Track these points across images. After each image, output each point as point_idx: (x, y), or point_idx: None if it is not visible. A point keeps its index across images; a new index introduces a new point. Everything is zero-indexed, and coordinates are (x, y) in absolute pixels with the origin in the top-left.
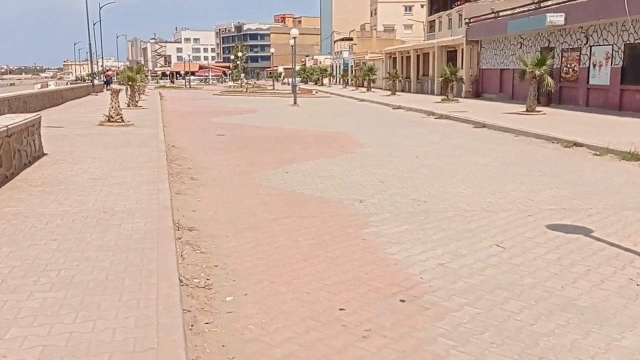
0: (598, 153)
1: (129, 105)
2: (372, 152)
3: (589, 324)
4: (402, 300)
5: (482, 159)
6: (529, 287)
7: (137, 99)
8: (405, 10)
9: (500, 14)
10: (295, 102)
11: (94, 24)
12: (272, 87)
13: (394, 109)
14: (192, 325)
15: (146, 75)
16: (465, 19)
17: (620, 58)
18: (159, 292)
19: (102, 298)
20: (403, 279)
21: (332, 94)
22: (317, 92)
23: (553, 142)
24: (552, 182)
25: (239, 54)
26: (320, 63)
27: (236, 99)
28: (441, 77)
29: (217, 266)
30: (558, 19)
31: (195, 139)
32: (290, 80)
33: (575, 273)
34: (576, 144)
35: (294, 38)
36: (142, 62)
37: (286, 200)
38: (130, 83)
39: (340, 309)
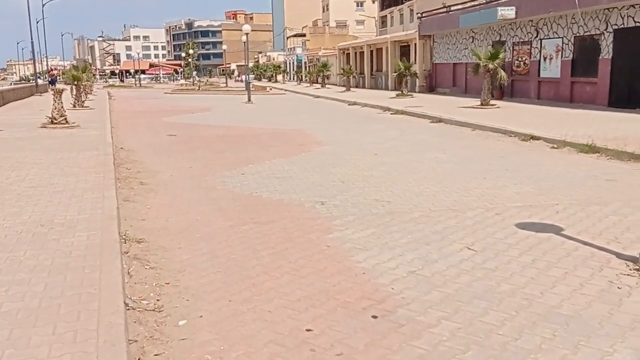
0: (555, 146)
1: (74, 106)
2: (331, 150)
3: (576, 337)
4: (374, 317)
5: (443, 155)
6: (508, 294)
7: (83, 99)
8: (357, 5)
9: (452, 8)
10: (249, 100)
11: (37, 22)
12: (225, 85)
13: (349, 105)
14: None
15: (93, 74)
16: (417, 13)
17: (570, 51)
18: (101, 320)
19: (32, 331)
20: (373, 291)
21: (286, 90)
22: (271, 89)
23: (510, 136)
24: (515, 178)
25: (190, 51)
26: (273, 60)
27: (188, 97)
28: (395, 72)
29: (168, 283)
30: (509, 12)
31: (145, 140)
32: (243, 77)
33: (553, 277)
34: (533, 137)
35: (247, 34)
36: (90, 61)
37: (243, 204)
38: (75, 82)
39: (307, 330)
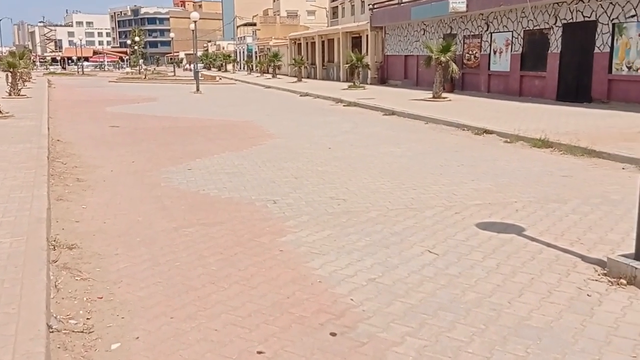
0: (509, 140)
1: (10, 95)
2: (283, 144)
3: (551, 354)
4: (333, 334)
5: (397, 149)
6: (474, 304)
7: (19, 88)
8: None
9: (404, 0)
10: (198, 89)
11: None
12: (173, 74)
13: (301, 96)
14: None
15: (33, 61)
16: (368, 5)
17: (520, 44)
18: (16, 350)
19: None
20: (331, 303)
21: (236, 80)
22: (221, 79)
23: (464, 130)
24: (471, 173)
25: (137, 38)
26: (223, 49)
27: (134, 86)
28: (347, 63)
29: (101, 298)
30: (460, 5)
31: (86, 131)
32: (192, 66)
33: (519, 283)
34: (486, 131)
35: (195, 22)
36: (30, 47)
37: (189, 203)
38: (11, 70)
39: (259, 352)
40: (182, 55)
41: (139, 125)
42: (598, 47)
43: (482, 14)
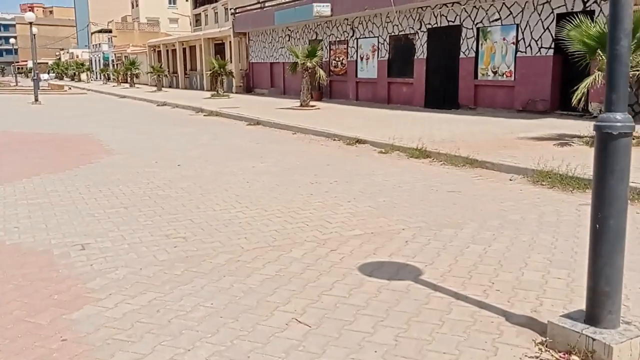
0: (384, 151)
1: None
2: (122, 161)
3: None
4: None
5: (261, 164)
6: None
7: None
8: (170, 3)
9: (267, 4)
10: (36, 100)
11: None
12: (14, 84)
13: (159, 105)
14: None
15: None
16: (230, 9)
17: (386, 50)
18: None
19: None
20: None
21: (89, 90)
22: (70, 89)
23: (335, 140)
24: (347, 192)
25: None
26: (77, 57)
27: None
28: (209, 71)
29: None
30: (324, 9)
31: None
32: (42, 75)
33: None
34: (359, 141)
35: (30, 23)
36: None
37: None
38: None
39: None
40: (30, 64)
41: None
42: (463, 52)
43: (347, 19)
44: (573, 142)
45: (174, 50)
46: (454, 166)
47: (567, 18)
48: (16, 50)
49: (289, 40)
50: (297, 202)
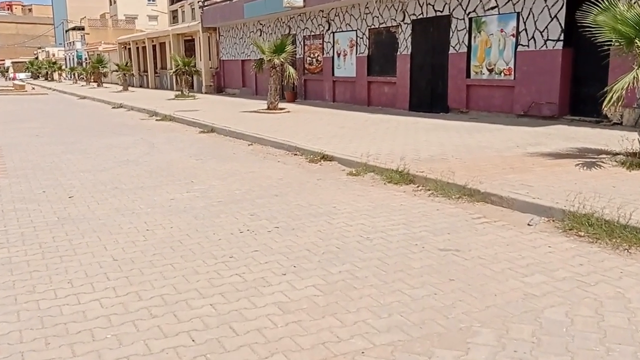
0: (354, 172)
1: None
2: (0, 189)
3: None
4: None
5: (186, 194)
6: None
7: None
8: (149, 0)
9: None
10: None
11: None
12: None
13: (114, 108)
14: None
15: None
16: (199, 1)
17: (366, 45)
18: None
19: None
20: None
21: (54, 90)
22: (34, 89)
23: (296, 154)
24: (287, 251)
25: None
26: (53, 55)
27: None
28: (173, 69)
29: None
30: (296, 0)
31: None
32: (19, 75)
33: None
34: (325, 158)
35: None
36: None
37: None
38: None
39: None
40: (8, 63)
41: None
42: (453, 47)
43: (323, 11)
44: (603, 162)
45: (144, 48)
46: (447, 198)
47: (587, 3)
48: None
49: (260, 35)
50: (199, 277)
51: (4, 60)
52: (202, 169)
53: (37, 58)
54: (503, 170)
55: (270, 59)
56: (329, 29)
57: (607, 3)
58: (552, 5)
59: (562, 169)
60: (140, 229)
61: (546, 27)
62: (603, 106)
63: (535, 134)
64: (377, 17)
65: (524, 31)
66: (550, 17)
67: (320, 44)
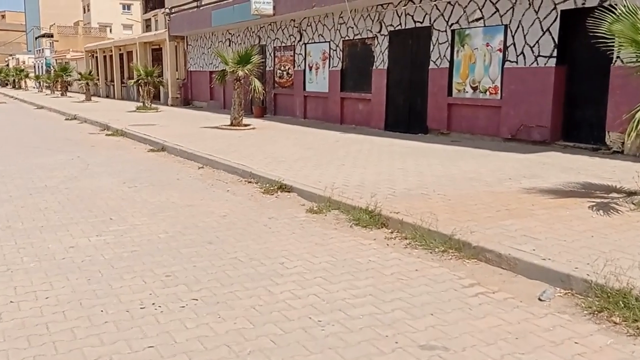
0: (316, 208)
1: None
2: None
3: None
4: None
5: (95, 238)
6: None
7: None
8: (124, 8)
9: (203, 2)
10: None
11: None
12: None
13: (67, 119)
14: None
15: None
16: (165, 9)
17: (339, 58)
18: None
19: None
20: None
21: (16, 98)
22: None
23: (250, 182)
24: (186, 353)
25: None
26: (24, 63)
27: None
28: (134, 79)
29: None
30: (265, 7)
31: None
32: None
33: None
34: (282, 188)
35: None
36: None
37: None
38: None
39: None
40: None
41: None
42: (434, 62)
43: (294, 20)
44: (618, 204)
45: (111, 56)
46: (429, 252)
47: (599, 11)
48: None
49: (229, 45)
50: None
51: None
52: (132, 200)
53: (7, 65)
54: (497, 212)
55: (233, 70)
56: (300, 39)
57: (625, 9)
58: (544, 18)
59: (569, 212)
60: (12, 301)
61: (537, 41)
62: (625, 138)
63: (528, 162)
64: (352, 27)
65: (512, 46)
66: (542, 30)
67: (291, 55)
